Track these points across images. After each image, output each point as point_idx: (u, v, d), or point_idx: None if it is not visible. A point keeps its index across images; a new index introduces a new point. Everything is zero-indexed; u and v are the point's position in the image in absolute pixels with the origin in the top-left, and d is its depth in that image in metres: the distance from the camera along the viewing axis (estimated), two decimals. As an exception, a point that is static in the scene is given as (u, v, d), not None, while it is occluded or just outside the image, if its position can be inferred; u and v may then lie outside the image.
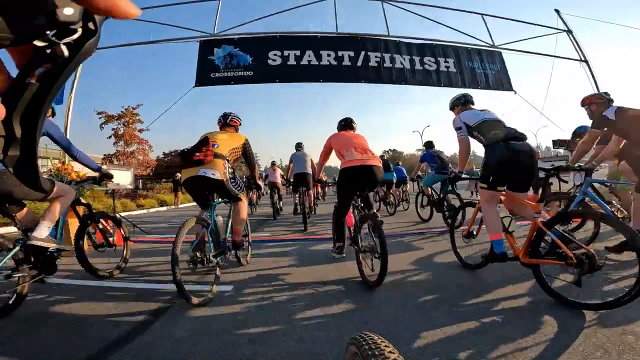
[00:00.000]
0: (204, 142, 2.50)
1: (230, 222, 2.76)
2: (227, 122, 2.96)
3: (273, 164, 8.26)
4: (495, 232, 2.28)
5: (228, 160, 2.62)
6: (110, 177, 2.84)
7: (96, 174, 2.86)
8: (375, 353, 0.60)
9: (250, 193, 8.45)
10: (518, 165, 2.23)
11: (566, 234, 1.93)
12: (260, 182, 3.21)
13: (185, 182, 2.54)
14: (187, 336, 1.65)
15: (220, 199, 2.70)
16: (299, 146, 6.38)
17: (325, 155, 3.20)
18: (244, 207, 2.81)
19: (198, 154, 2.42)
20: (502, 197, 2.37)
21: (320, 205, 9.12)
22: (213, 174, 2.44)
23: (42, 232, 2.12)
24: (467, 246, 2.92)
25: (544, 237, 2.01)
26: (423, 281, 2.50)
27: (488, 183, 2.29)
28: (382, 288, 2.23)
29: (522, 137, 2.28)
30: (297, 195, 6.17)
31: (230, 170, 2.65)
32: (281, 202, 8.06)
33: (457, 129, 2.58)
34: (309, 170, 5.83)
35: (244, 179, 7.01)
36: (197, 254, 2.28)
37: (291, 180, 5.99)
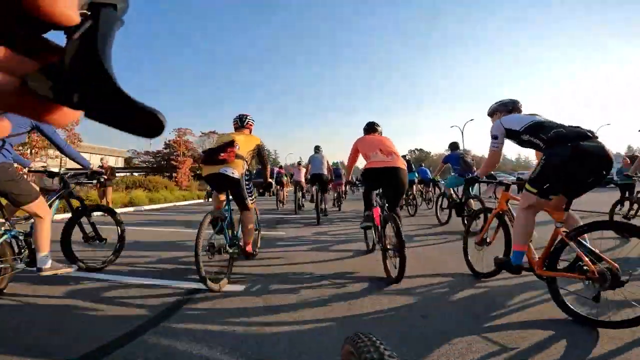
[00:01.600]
0: (231, 143, 2.68)
1: (240, 230, 2.88)
2: (243, 124, 3.11)
3: (299, 164, 8.92)
4: (523, 243, 2.07)
5: (247, 161, 2.84)
6: (100, 174, 2.93)
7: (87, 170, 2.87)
8: (371, 351, 0.60)
9: (281, 193, 9.65)
10: (591, 171, 1.85)
11: (592, 248, 1.80)
12: (271, 181, 3.31)
13: (207, 177, 2.72)
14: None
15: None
16: (317, 149, 6.96)
17: (352, 157, 3.36)
18: (251, 217, 2.88)
19: (223, 153, 2.63)
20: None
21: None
22: (232, 173, 2.64)
23: (47, 263, 2.20)
24: (478, 253, 2.78)
25: (565, 248, 1.89)
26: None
27: (540, 189, 1.99)
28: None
29: (593, 135, 1.89)
30: (314, 188, 6.77)
31: (247, 172, 2.85)
32: (304, 199, 8.73)
33: (493, 137, 2.33)
34: (325, 171, 6.56)
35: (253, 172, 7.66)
36: (215, 243, 2.46)
37: (308, 177, 6.81)
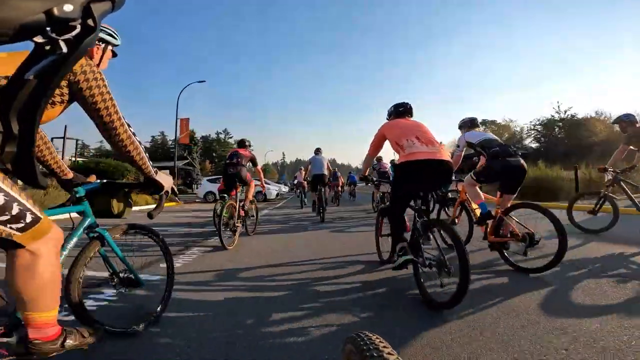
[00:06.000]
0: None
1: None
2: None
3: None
4: (479, 199, 2.95)
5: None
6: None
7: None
8: (371, 350, 0.60)
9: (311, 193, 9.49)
10: (513, 176, 2.76)
11: (516, 219, 2.67)
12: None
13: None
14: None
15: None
16: (318, 151, 7.56)
17: (375, 147, 2.66)
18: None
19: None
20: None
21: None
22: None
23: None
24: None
25: (503, 222, 2.73)
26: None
27: (478, 179, 2.95)
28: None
29: (515, 154, 2.79)
30: (315, 193, 7.07)
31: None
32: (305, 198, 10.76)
33: (457, 146, 3.19)
34: (326, 172, 7.16)
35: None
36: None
37: (309, 179, 7.39)
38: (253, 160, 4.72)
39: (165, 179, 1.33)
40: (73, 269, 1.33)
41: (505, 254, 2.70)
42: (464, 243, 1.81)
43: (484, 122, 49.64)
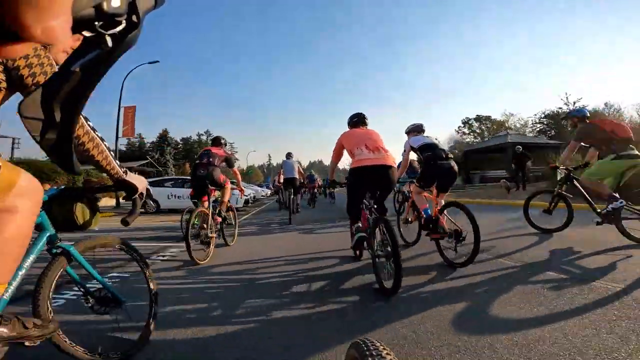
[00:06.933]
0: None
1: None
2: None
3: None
4: (423, 205, 3.13)
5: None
6: None
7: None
8: (374, 356, 0.61)
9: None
10: (444, 178, 3.03)
11: (448, 217, 2.88)
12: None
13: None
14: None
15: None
16: (289, 155, 7.81)
17: (337, 155, 3.04)
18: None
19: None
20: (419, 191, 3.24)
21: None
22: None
23: None
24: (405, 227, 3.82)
25: (438, 219, 2.93)
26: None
27: (420, 184, 3.14)
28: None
29: (446, 157, 3.02)
30: (286, 193, 7.49)
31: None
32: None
33: (404, 151, 3.40)
34: (297, 175, 7.38)
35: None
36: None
37: (281, 182, 7.65)
38: (228, 161, 4.10)
39: (138, 180, 1.16)
40: (37, 296, 1.11)
41: (442, 249, 2.90)
42: (397, 239, 2.13)
43: (478, 119, 48.52)
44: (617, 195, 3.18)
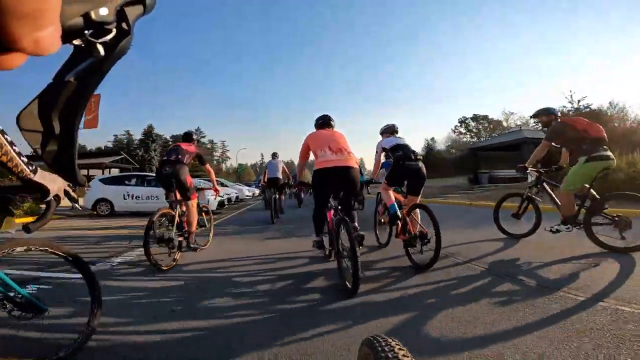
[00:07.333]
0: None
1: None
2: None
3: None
4: (390, 200, 3.12)
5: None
6: None
7: None
8: (387, 352, 0.61)
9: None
10: (412, 178, 3.09)
11: (415, 219, 2.91)
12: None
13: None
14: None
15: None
16: (274, 155, 7.85)
17: (303, 155, 3.11)
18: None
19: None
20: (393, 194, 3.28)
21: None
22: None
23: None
24: (383, 231, 3.84)
25: (407, 221, 2.95)
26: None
27: (388, 182, 3.18)
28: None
29: (415, 158, 3.04)
30: (269, 193, 7.35)
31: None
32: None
33: (376, 152, 3.44)
34: (280, 176, 7.40)
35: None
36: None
37: (265, 182, 7.54)
38: (200, 158, 3.79)
39: (51, 180, 1.02)
40: None
41: (409, 252, 2.90)
42: (357, 242, 2.23)
43: (475, 118, 49.23)
44: (575, 218, 3.22)
